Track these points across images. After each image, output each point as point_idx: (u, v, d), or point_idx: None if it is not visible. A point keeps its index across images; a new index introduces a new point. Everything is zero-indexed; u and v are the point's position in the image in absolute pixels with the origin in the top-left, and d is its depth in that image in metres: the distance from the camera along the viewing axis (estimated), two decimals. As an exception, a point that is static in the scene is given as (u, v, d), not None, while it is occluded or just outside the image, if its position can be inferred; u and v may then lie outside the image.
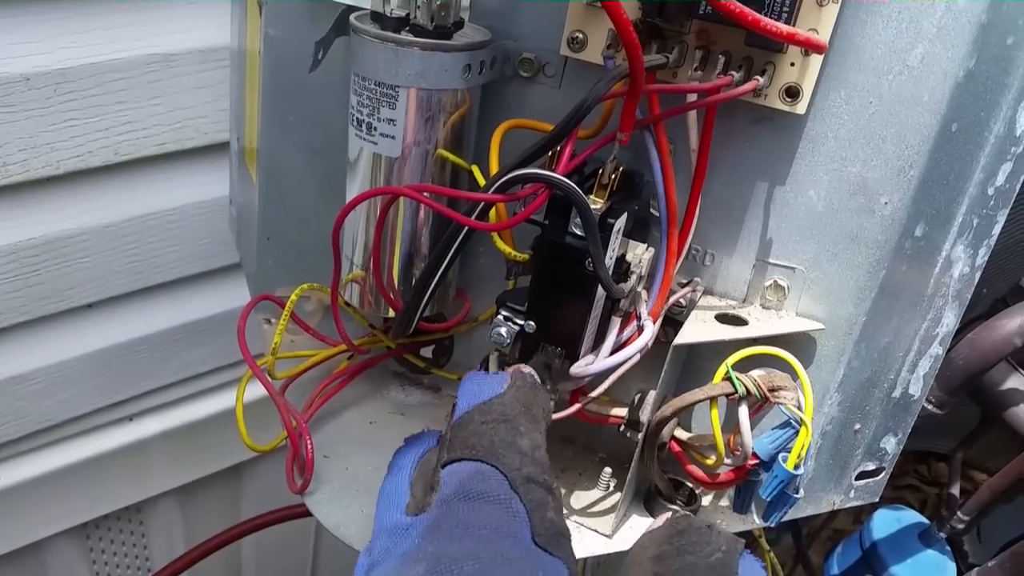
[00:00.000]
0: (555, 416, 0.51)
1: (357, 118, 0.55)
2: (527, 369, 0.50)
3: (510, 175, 0.46)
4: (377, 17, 0.53)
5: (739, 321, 0.57)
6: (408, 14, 0.53)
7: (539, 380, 0.50)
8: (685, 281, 0.59)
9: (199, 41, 0.91)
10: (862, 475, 0.63)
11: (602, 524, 0.59)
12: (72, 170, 0.91)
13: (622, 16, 0.40)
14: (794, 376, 0.53)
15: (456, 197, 0.55)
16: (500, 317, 0.51)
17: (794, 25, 0.48)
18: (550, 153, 0.49)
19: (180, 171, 0.98)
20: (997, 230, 0.54)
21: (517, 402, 0.46)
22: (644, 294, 0.55)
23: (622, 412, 0.58)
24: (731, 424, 0.53)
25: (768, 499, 0.54)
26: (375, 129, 0.54)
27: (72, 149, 0.89)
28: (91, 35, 0.85)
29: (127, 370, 1.12)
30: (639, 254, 0.54)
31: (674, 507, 0.60)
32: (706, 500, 0.63)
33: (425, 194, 0.51)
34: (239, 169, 0.81)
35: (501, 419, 0.44)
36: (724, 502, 0.63)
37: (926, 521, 0.81)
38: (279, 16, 0.63)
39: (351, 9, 0.57)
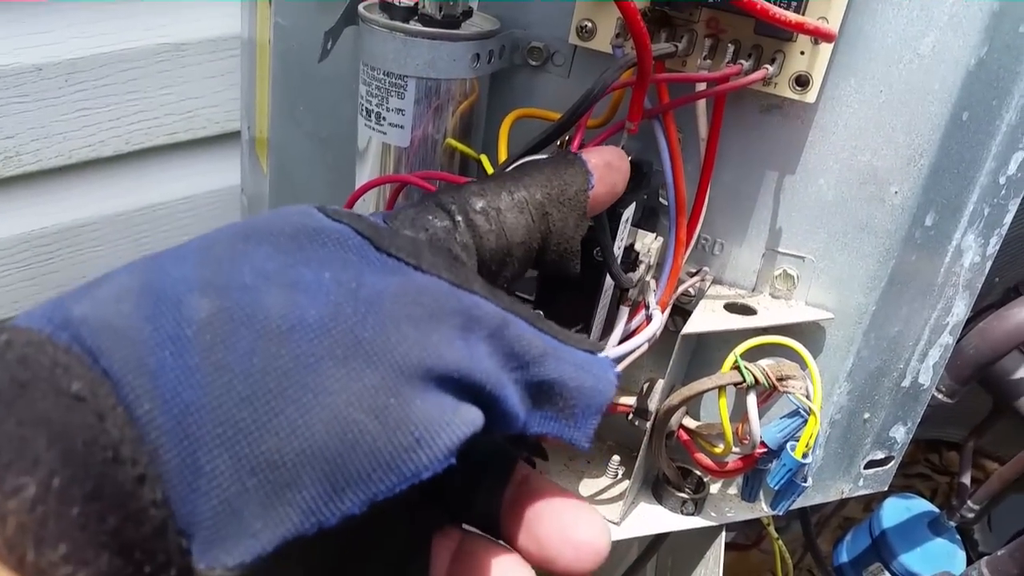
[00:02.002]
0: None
1: (366, 108, 0.55)
2: (594, 155, 0.42)
3: (518, 162, 0.46)
4: (386, 7, 0.53)
5: (748, 310, 0.56)
6: (417, 3, 0.53)
7: (580, 158, 0.41)
8: (694, 270, 0.59)
9: (210, 31, 0.91)
10: (871, 464, 0.63)
11: (610, 512, 0.59)
12: (84, 159, 0.91)
13: (630, 5, 0.40)
14: (803, 365, 0.53)
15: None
16: (509, 306, 0.51)
17: (804, 14, 0.48)
18: (559, 143, 0.49)
19: (191, 160, 0.98)
20: (1009, 219, 0.54)
21: (524, 169, 0.40)
22: (653, 283, 0.54)
23: (630, 400, 0.58)
24: (739, 413, 0.54)
25: (776, 487, 0.54)
26: (384, 119, 0.54)
27: (84, 139, 0.90)
28: (102, 25, 0.85)
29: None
30: (648, 243, 0.54)
31: (683, 494, 0.60)
32: (714, 488, 0.63)
33: (436, 183, 0.51)
34: (250, 158, 0.82)
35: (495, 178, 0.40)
36: (732, 490, 0.63)
37: (936, 510, 0.81)
38: (289, 6, 0.63)
39: (360, -2, 0.57)
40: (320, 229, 0.31)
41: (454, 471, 0.28)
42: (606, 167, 0.41)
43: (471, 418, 0.28)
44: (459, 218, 0.36)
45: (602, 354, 0.34)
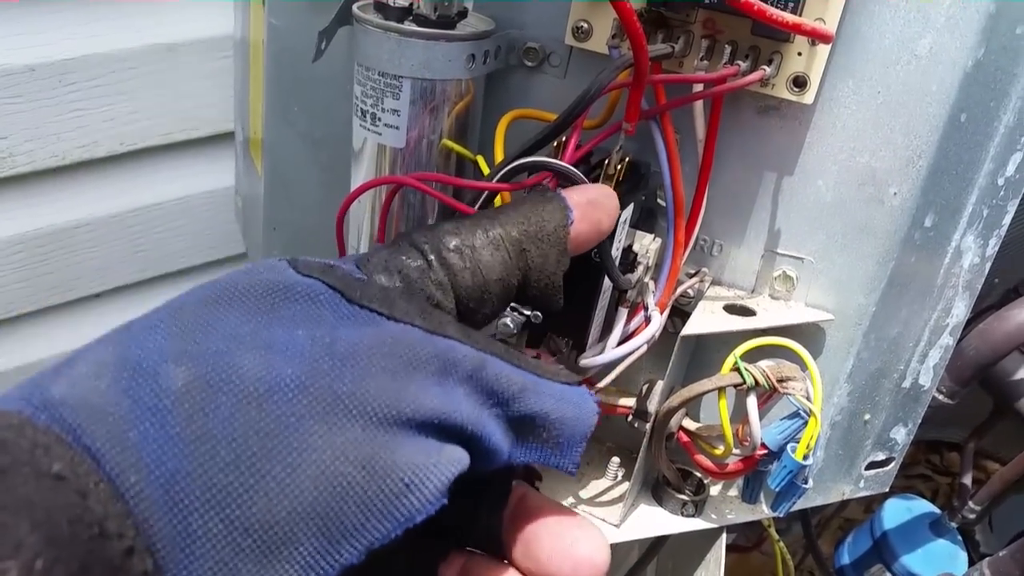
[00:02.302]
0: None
1: (361, 108, 0.55)
2: (574, 197, 0.41)
3: (515, 163, 0.46)
4: (380, 7, 0.53)
5: (747, 312, 0.56)
6: (411, 4, 0.53)
7: (559, 195, 0.41)
8: (693, 271, 0.58)
9: (203, 31, 0.90)
10: (872, 465, 0.62)
11: (610, 514, 0.59)
12: (78, 160, 0.91)
13: (626, 6, 0.40)
14: (803, 367, 0.53)
15: (460, 186, 0.55)
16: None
17: (801, 15, 0.48)
18: (555, 144, 0.49)
19: (185, 161, 0.97)
20: (1008, 220, 0.54)
21: (501, 207, 0.40)
22: (652, 285, 0.54)
23: (630, 402, 0.57)
24: (740, 414, 0.53)
25: (777, 489, 0.54)
26: (379, 120, 0.54)
27: (78, 139, 0.89)
28: (95, 26, 0.85)
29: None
30: (646, 244, 0.53)
31: (683, 496, 0.60)
32: (715, 490, 0.62)
33: (431, 184, 0.51)
34: (244, 159, 0.81)
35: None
36: (733, 492, 0.63)
37: (937, 511, 0.81)
38: (282, 6, 0.63)
39: (354, -1, 0.57)
40: (290, 286, 0.32)
41: (452, 503, 0.28)
42: (589, 205, 0.41)
43: (456, 457, 0.29)
44: (432, 257, 0.36)
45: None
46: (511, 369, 0.32)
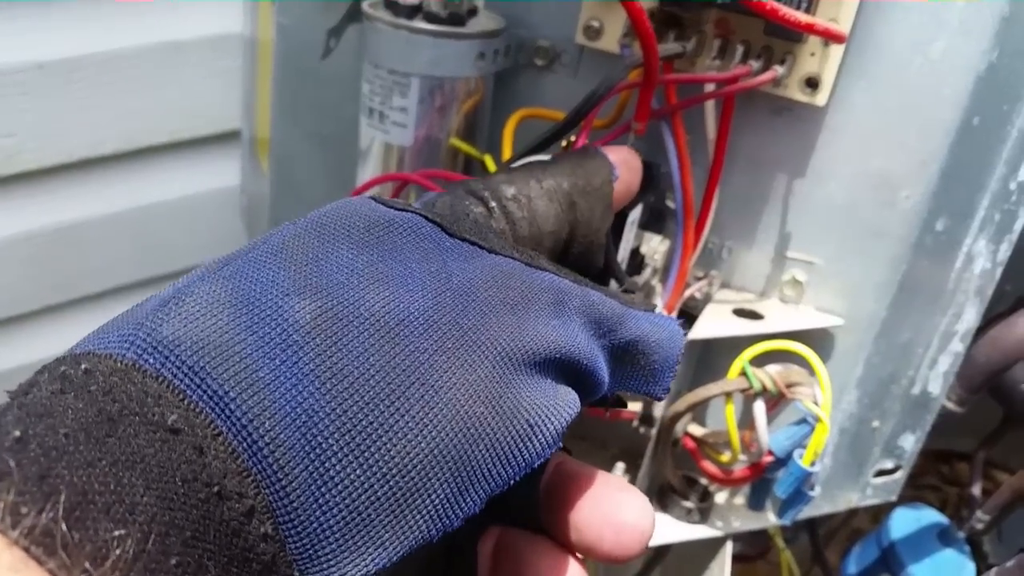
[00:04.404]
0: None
1: (369, 107, 0.54)
2: (617, 153, 0.42)
3: (522, 161, 0.45)
4: (390, 4, 0.53)
5: (756, 316, 0.56)
6: (421, 1, 0.52)
7: (601, 151, 0.41)
8: (701, 274, 0.58)
9: (211, 29, 0.90)
10: (880, 473, 0.62)
11: (614, 520, 0.58)
12: (84, 158, 0.90)
13: (636, 6, 0.39)
14: (812, 372, 0.52)
15: (467, 185, 0.54)
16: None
17: (814, 15, 0.47)
18: (564, 144, 0.48)
19: (191, 160, 0.97)
20: (1019, 226, 0.53)
21: (548, 161, 0.40)
22: (659, 287, 0.54)
23: (635, 407, 0.57)
24: (747, 420, 0.53)
25: (784, 496, 0.53)
26: (387, 118, 0.54)
27: (85, 137, 0.89)
28: (104, 22, 0.85)
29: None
30: (654, 246, 0.53)
31: (688, 503, 0.59)
32: (720, 497, 0.62)
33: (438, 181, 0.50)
34: (251, 158, 0.81)
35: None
36: (739, 499, 0.62)
37: (946, 521, 0.80)
38: (292, 5, 0.63)
39: (364, -4, 0.57)
40: (391, 220, 0.30)
41: None
42: (623, 164, 0.41)
43: (572, 399, 0.28)
44: (493, 204, 0.36)
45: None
46: (606, 298, 0.32)
